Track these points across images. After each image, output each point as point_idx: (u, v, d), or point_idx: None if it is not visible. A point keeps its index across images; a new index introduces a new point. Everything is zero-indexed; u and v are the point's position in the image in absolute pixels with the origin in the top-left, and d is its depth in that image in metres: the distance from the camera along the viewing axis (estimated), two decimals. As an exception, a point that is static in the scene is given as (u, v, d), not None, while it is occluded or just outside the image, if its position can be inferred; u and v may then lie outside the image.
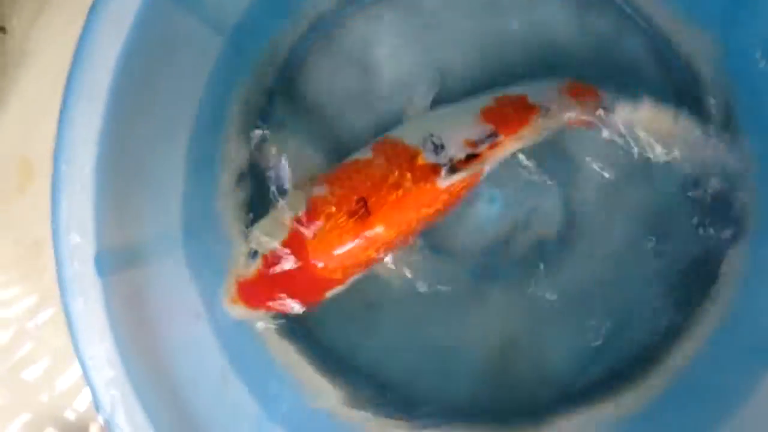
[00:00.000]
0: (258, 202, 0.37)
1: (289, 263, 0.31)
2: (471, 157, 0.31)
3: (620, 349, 0.38)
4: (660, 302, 0.38)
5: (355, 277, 0.33)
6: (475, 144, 0.32)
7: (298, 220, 0.31)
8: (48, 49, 0.38)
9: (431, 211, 0.32)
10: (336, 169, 0.34)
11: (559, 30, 0.38)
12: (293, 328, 0.38)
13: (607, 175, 0.37)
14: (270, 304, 0.32)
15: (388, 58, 0.38)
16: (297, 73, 0.38)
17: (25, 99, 0.39)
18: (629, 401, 0.37)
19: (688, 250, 0.38)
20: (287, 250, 0.31)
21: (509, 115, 0.33)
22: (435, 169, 0.31)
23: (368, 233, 0.31)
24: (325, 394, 0.37)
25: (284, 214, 0.31)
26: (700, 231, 0.37)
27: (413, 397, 0.38)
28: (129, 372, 0.28)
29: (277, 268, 0.31)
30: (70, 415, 0.39)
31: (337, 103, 0.38)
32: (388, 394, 0.38)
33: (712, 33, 0.34)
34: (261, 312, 0.33)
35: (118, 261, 0.28)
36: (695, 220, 0.38)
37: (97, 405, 0.27)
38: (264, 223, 0.32)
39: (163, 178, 0.31)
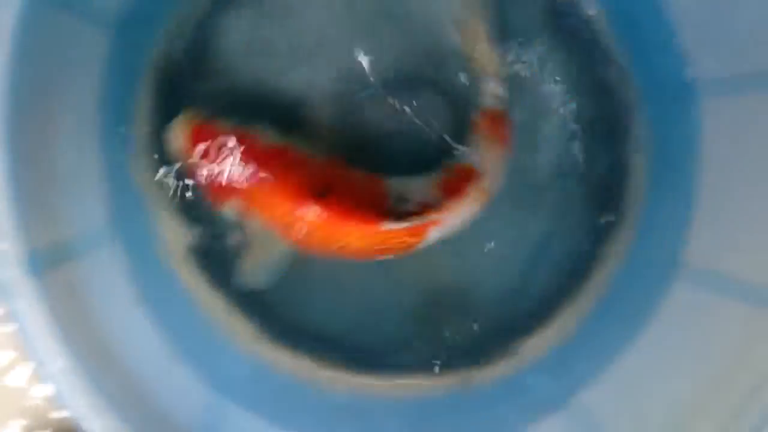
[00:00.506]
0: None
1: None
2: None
3: (546, 277, 0.41)
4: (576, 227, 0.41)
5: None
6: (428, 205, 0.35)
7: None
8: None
9: (354, 242, 0.34)
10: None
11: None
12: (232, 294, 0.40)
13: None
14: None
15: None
16: (202, 55, 0.39)
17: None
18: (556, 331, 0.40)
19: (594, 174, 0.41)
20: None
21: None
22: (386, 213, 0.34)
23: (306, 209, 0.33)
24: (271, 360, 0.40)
25: None
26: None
27: (352, 349, 0.41)
28: (79, 362, 0.29)
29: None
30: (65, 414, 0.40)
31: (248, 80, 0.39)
32: (327, 348, 0.40)
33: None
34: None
35: (49, 259, 0.29)
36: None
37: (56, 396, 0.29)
38: None
39: (79, 175, 0.32)
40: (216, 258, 0.39)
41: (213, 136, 0.34)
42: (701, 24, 0.35)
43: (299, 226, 0.34)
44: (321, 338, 0.41)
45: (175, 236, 0.38)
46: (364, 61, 0.39)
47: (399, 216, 0.34)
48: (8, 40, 0.27)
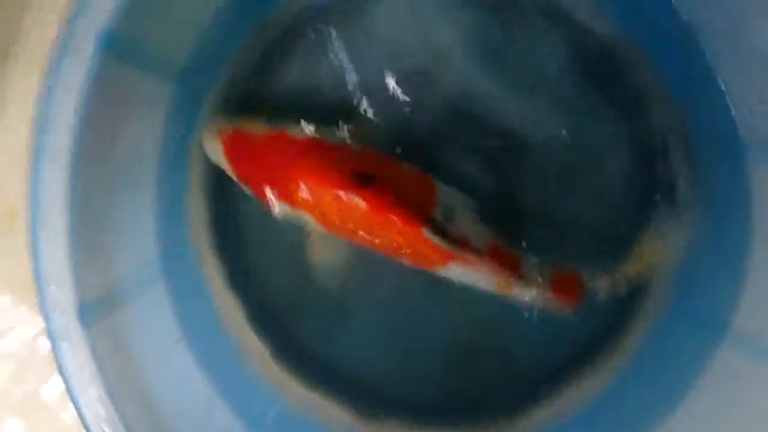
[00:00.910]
0: (225, 222, 0.40)
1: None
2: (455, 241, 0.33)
3: (579, 332, 0.40)
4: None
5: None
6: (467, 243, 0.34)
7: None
8: (16, 97, 0.40)
9: (391, 241, 0.34)
10: None
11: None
12: (275, 341, 0.40)
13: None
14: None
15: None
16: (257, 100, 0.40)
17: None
18: (591, 384, 0.40)
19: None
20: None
21: (501, 258, 0.35)
22: (429, 220, 0.33)
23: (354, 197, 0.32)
24: (308, 406, 0.40)
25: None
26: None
27: (383, 396, 0.41)
28: (119, 409, 0.30)
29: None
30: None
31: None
32: (358, 392, 0.41)
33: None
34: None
35: (99, 307, 0.30)
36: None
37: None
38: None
39: (133, 222, 0.33)
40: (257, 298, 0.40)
41: (249, 141, 0.34)
42: (753, 88, 0.34)
43: (343, 214, 0.33)
44: (357, 386, 0.41)
45: (221, 283, 0.39)
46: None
47: (440, 230, 0.33)
48: (76, 95, 0.28)
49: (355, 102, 0.38)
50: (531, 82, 0.40)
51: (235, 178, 0.36)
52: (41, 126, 0.28)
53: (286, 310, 0.41)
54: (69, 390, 0.29)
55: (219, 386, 0.36)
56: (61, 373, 0.29)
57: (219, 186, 0.39)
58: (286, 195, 0.34)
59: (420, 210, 0.33)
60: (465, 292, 0.39)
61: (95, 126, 0.29)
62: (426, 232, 0.33)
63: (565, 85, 0.40)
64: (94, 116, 0.28)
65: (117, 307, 0.31)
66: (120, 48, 0.28)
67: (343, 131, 0.36)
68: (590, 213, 0.40)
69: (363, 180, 0.32)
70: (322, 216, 0.34)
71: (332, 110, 0.38)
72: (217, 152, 0.35)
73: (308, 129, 0.35)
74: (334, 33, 0.39)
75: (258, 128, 0.35)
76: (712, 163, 0.38)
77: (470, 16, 0.40)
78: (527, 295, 0.36)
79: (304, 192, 0.33)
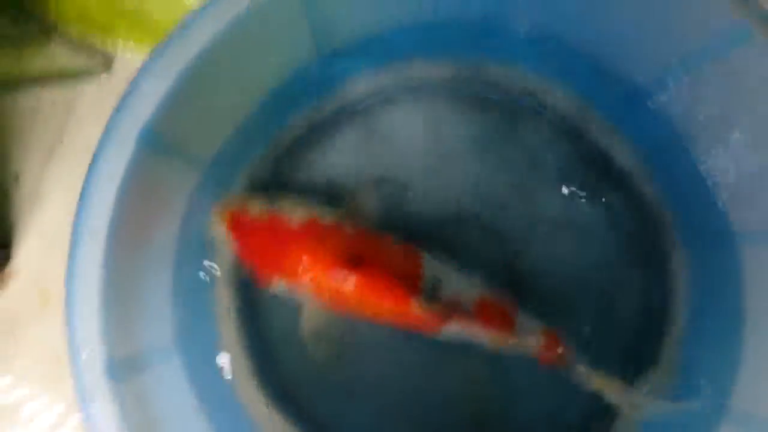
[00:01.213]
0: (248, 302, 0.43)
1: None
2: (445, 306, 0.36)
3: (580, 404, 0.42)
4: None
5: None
6: (459, 307, 0.37)
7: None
8: (58, 192, 0.44)
9: (385, 311, 0.37)
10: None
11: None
12: (288, 415, 0.42)
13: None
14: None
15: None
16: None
17: (41, 234, 0.45)
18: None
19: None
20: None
21: (494, 316, 0.38)
22: (418, 291, 0.36)
23: (340, 277, 0.35)
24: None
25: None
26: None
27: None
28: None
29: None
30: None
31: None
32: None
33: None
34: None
35: (123, 370, 0.32)
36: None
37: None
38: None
39: (154, 299, 0.36)
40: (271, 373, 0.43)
41: (248, 221, 0.38)
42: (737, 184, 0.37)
43: (335, 293, 0.36)
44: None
45: (236, 357, 0.42)
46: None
47: (429, 298, 0.36)
48: (116, 183, 0.32)
49: (357, 189, 0.42)
50: (532, 185, 0.44)
51: (237, 255, 0.39)
52: (83, 209, 0.32)
53: (300, 387, 0.43)
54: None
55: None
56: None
57: (239, 273, 0.42)
58: (283, 274, 0.37)
59: (408, 283, 0.36)
60: (467, 364, 0.42)
61: (129, 212, 0.33)
62: (415, 303, 0.36)
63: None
64: (129, 204, 0.32)
65: (139, 371, 0.34)
66: (156, 143, 0.33)
67: (341, 212, 0.39)
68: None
69: (354, 261, 0.36)
70: (318, 292, 0.37)
71: (335, 196, 0.42)
72: (220, 231, 0.38)
73: (299, 206, 0.38)
74: (349, 131, 0.44)
75: (257, 207, 0.38)
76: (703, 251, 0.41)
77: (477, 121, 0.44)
78: (520, 348, 0.38)
79: (300, 270, 0.36)
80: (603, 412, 0.41)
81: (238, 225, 0.38)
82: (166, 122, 0.32)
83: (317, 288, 0.37)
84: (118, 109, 0.31)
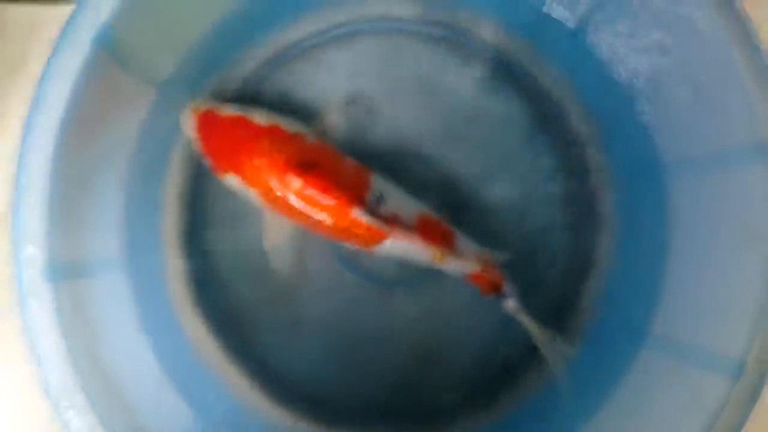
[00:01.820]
0: (194, 230, 0.43)
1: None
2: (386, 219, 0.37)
3: (512, 345, 0.44)
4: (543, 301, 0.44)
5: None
6: (399, 221, 0.38)
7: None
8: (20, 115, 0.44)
9: (328, 217, 0.37)
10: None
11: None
12: (232, 344, 0.43)
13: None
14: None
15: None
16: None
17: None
18: (530, 385, 0.43)
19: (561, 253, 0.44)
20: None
21: (434, 234, 0.39)
22: (361, 203, 0.37)
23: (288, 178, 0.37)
24: (257, 407, 0.42)
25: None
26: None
27: (334, 404, 0.43)
28: (76, 368, 0.32)
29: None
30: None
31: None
32: (312, 401, 0.43)
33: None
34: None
35: (64, 272, 0.33)
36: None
37: (48, 396, 0.32)
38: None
39: (107, 207, 0.36)
40: (216, 301, 0.43)
41: (216, 119, 0.39)
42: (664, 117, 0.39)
43: (283, 195, 0.37)
44: (306, 394, 0.43)
45: (179, 275, 0.42)
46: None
47: (371, 210, 0.37)
48: (68, 82, 0.32)
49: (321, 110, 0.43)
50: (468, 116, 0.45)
51: (199, 151, 0.40)
52: (34, 105, 0.32)
53: (244, 316, 0.44)
54: (29, 340, 0.31)
55: (173, 375, 0.38)
56: (25, 326, 0.32)
57: (193, 195, 0.43)
58: (238, 169, 0.38)
59: (353, 194, 0.37)
60: (413, 302, 0.44)
61: (82, 114, 0.33)
62: (357, 212, 0.37)
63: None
64: (81, 105, 0.33)
65: (81, 276, 0.34)
66: (112, 47, 0.33)
67: (302, 126, 0.40)
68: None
69: (305, 166, 0.37)
70: (266, 193, 0.38)
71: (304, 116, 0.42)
72: (189, 126, 0.40)
73: (269, 116, 0.40)
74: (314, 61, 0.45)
75: (228, 111, 0.40)
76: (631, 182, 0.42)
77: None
78: (457, 268, 0.39)
79: (253, 169, 0.38)
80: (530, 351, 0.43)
81: (205, 122, 0.39)
82: (123, 28, 0.33)
83: (265, 187, 0.38)
84: (76, 10, 0.32)
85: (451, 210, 0.41)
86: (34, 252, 0.32)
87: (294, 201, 0.37)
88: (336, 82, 0.45)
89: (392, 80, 0.45)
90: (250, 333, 0.43)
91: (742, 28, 0.33)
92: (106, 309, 0.36)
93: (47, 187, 0.32)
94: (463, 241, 0.39)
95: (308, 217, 0.38)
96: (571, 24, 0.40)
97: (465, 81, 0.45)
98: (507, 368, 0.44)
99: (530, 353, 0.42)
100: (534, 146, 0.45)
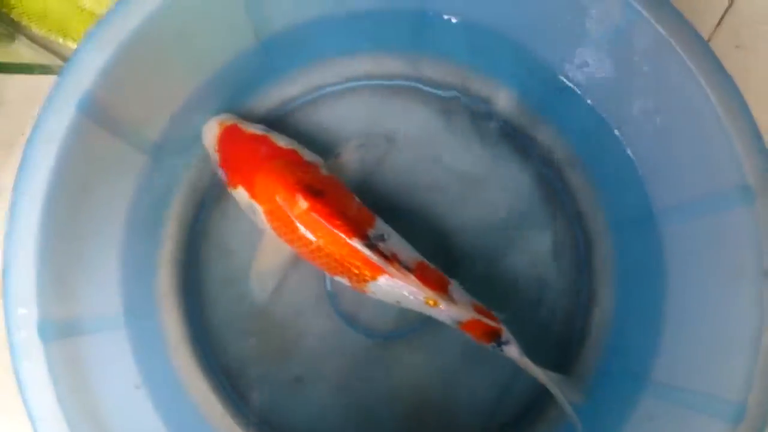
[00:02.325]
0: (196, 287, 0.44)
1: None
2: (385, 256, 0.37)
3: (517, 396, 0.43)
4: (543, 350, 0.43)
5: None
6: (397, 261, 0.38)
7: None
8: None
9: (327, 250, 0.38)
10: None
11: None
12: (233, 401, 0.43)
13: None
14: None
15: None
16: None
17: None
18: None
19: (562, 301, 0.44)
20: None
21: (430, 279, 0.38)
22: (363, 237, 0.37)
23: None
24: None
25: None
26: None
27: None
28: (72, 428, 0.33)
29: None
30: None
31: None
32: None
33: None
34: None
35: (58, 331, 0.33)
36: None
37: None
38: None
39: (100, 268, 0.37)
40: (216, 359, 0.43)
41: (239, 135, 0.41)
42: (655, 163, 0.40)
43: (288, 215, 0.38)
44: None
45: (177, 334, 0.43)
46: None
47: (372, 245, 0.37)
48: (55, 146, 0.33)
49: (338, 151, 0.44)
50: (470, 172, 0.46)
51: (215, 163, 0.41)
52: (20, 169, 0.33)
53: (245, 374, 0.44)
54: (24, 401, 0.32)
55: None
56: (19, 386, 0.32)
57: (190, 256, 0.44)
58: (250, 184, 0.39)
59: (356, 227, 0.38)
60: (409, 356, 0.44)
61: (69, 178, 0.34)
62: (358, 244, 0.37)
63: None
64: (68, 170, 0.34)
65: (75, 335, 0.34)
66: (97, 114, 0.34)
67: (318, 157, 0.42)
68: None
69: (314, 192, 0.38)
70: (272, 211, 0.39)
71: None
72: (210, 137, 0.41)
73: (289, 141, 0.41)
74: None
75: (252, 129, 0.41)
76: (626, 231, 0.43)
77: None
78: (452, 315, 0.38)
79: (264, 184, 0.39)
80: (541, 400, 0.43)
81: (228, 136, 0.41)
82: (107, 94, 0.34)
83: (273, 204, 0.38)
84: (60, 78, 0.33)
85: (445, 264, 0.41)
86: (26, 313, 0.32)
87: (298, 223, 0.38)
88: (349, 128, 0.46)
89: (401, 132, 0.46)
90: (251, 390, 0.44)
91: (724, 90, 0.35)
92: (104, 366, 0.36)
93: (36, 250, 0.33)
94: (458, 290, 0.39)
95: (308, 243, 0.38)
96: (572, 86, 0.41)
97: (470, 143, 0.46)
98: (509, 422, 0.43)
99: (533, 406, 0.42)
100: (530, 200, 0.45)
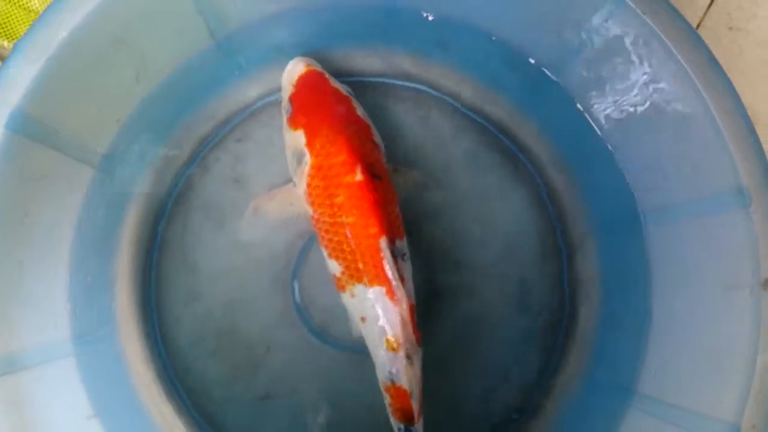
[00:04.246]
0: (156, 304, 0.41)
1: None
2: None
3: (499, 406, 0.41)
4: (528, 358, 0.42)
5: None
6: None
7: None
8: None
9: (349, 231, 0.35)
10: None
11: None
12: (198, 423, 0.41)
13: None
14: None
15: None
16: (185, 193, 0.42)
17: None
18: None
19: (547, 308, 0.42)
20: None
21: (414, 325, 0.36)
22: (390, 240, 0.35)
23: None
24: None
25: None
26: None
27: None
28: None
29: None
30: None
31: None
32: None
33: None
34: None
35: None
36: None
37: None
38: None
39: (44, 294, 0.34)
40: (180, 379, 0.41)
41: (324, 84, 0.38)
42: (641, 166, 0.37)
43: (335, 181, 0.36)
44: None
45: (137, 355, 0.40)
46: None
47: (392, 251, 0.35)
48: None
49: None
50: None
51: (286, 97, 0.39)
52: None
53: (210, 393, 0.41)
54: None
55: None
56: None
57: (145, 273, 0.41)
58: (313, 134, 0.37)
59: (389, 231, 0.35)
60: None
61: (5, 203, 0.32)
62: (384, 244, 0.35)
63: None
64: (3, 194, 0.31)
65: (19, 370, 0.32)
66: (32, 130, 0.31)
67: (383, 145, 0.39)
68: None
69: (372, 173, 0.36)
70: (320, 169, 0.36)
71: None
72: (293, 73, 0.39)
73: (366, 115, 0.39)
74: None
75: (338, 85, 0.39)
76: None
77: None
78: (394, 371, 0.36)
79: (326, 139, 0.36)
80: (520, 412, 0.41)
81: (312, 79, 0.39)
82: (41, 107, 0.31)
83: (325, 163, 0.36)
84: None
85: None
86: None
87: (342, 190, 0.35)
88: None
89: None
90: (218, 410, 0.41)
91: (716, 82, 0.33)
92: (50, 400, 0.34)
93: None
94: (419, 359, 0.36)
95: (336, 214, 0.36)
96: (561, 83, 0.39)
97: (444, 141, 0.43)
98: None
99: (515, 420, 0.40)
100: (511, 202, 0.43)
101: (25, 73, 0.30)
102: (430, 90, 0.43)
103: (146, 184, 0.41)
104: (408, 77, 0.43)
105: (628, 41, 0.34)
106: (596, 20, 0.35)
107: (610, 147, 0.38)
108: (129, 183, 0.40)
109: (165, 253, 0.41)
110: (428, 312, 0.41)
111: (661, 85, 0.34)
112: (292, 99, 0.38)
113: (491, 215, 0.43)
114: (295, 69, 0.39)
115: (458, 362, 0.41)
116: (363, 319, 0.36)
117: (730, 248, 0.33)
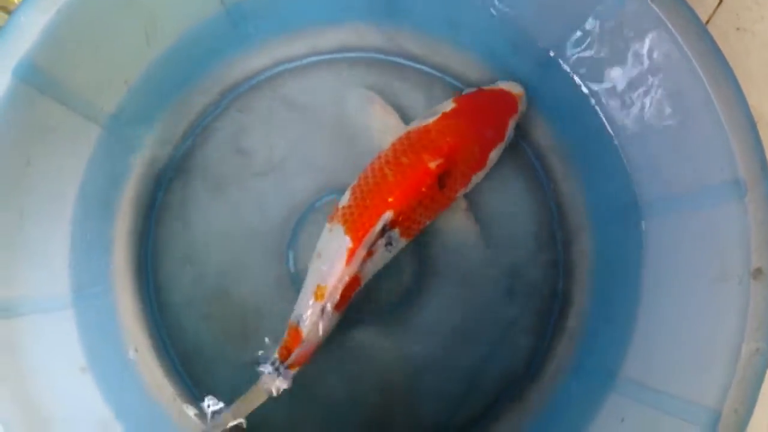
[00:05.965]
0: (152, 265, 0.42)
1: None
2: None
3: (485, 389, 0.42)
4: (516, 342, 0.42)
5: None
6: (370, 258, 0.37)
7: None
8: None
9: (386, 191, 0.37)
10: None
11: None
12: (186, 385, 0.41)
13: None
14: None
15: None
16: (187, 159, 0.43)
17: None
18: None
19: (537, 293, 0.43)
20: None
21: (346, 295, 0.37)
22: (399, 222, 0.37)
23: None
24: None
25: None
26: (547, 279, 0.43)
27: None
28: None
29: None
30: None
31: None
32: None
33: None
34: None
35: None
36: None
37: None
38: None
39: (46, 245, 0.35)
40: (171, 341, 0.41)
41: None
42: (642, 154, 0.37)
43: (427, 151, 0.37)
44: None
45: (131, 314, 0.40)
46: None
47: (384, 228, 0.37)
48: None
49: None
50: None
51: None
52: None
53: (201, 357, 0.42)
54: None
55: (123, 416, 0.36)
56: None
57: (143, 234, 0.42)
58: (464, 114, 0.39)
59: (404, 218, 0.37)
60: (383, 343, 0.42)
61: (8, 148, 0.32)
62: (387, 216, 0.36)
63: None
64: (7, 139, 0.31)
65: (16, 316, 0.32)
66: (39, 81, 0.32)
67: None
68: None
69: (442, 176, 0.37)
70: (427, 132, 0.38)
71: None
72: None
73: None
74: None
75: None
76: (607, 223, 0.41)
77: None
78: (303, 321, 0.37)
79: (461, 124, 0.38)
80: (504, 395, 0.41)
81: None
82: (50, 58, 0.31)
83: (436, 134, 0.38)
84: (-3, 41, 0.30)
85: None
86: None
87: (411, 157, 0.37)
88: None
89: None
90: (208, 375, 0.41)
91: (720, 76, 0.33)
92: (46, 349, 0.34)
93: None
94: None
95: (388, 166, 0.37)
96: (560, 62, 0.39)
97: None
98: (476, 415, 0.41)
99: (499, 399, 0.41)
100: (512, 188, 0.43)
101: (35, 22, 0.30)
102: (433, 71, 0.44)
103: (149, 148, 0.41)
104: (413, 57, 0.43)
105: (634, 29, 0.34)
106: (604, 6, 0.35)
107: (612, 135, 0.39)
108: (133, 145, 0.40)
109: (163, 216, 0.42)
110: (418, 291, 0.42)
111: (666, 73, 0.35)
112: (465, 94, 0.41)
113: (488, 199, 0.43)
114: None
115: (445, 344, 0.42)
116: (318, 255, 0.38)
117: (722, 238, 0.33)
